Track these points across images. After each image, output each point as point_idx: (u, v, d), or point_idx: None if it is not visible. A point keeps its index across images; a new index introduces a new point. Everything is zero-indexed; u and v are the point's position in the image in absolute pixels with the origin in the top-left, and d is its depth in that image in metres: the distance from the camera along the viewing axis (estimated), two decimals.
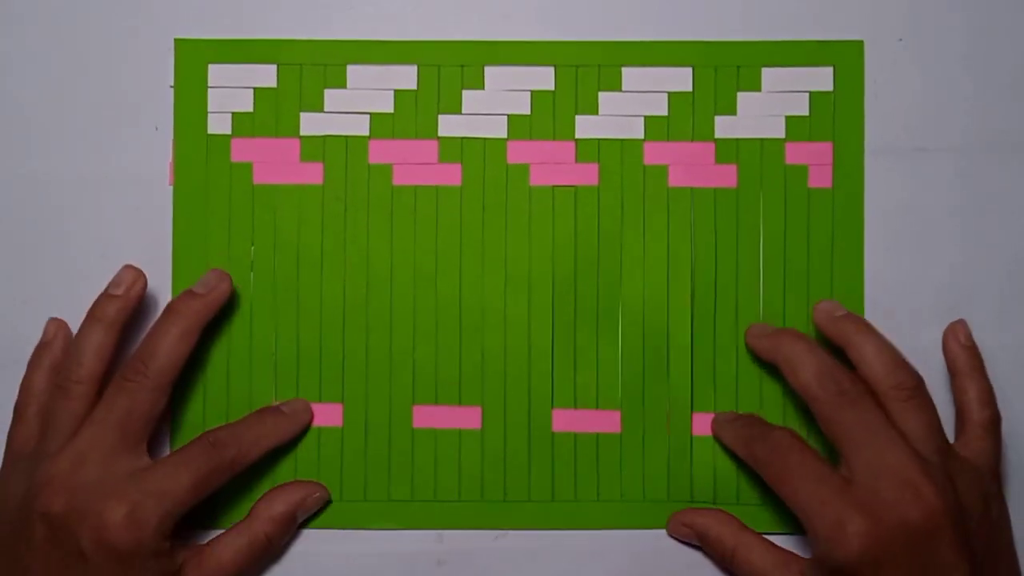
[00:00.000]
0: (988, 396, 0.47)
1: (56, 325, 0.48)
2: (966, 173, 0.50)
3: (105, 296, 0.47)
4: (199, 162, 0.49)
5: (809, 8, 0.50)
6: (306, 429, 0.49)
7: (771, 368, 0.48)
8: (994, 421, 0.47)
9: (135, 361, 0.45)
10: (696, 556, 0.49)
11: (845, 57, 0.49)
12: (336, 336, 0.49)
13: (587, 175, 0.49)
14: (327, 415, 0.49)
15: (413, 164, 0.49)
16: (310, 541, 0.49)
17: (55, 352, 0.48)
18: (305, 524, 0.49)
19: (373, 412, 0.49)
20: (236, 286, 0.49)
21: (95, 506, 0.43)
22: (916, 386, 0.45)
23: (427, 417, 0.49)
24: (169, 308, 0.47)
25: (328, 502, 0.49)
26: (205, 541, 0.47)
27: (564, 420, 0.49)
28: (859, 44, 0.50)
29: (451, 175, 0.49)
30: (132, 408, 0.45)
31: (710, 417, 0.49)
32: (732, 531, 0.47)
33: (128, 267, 0.47)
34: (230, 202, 0.49)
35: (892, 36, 0.50)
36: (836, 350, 0.47)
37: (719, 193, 0.49)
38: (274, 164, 0.49)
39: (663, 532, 0.49)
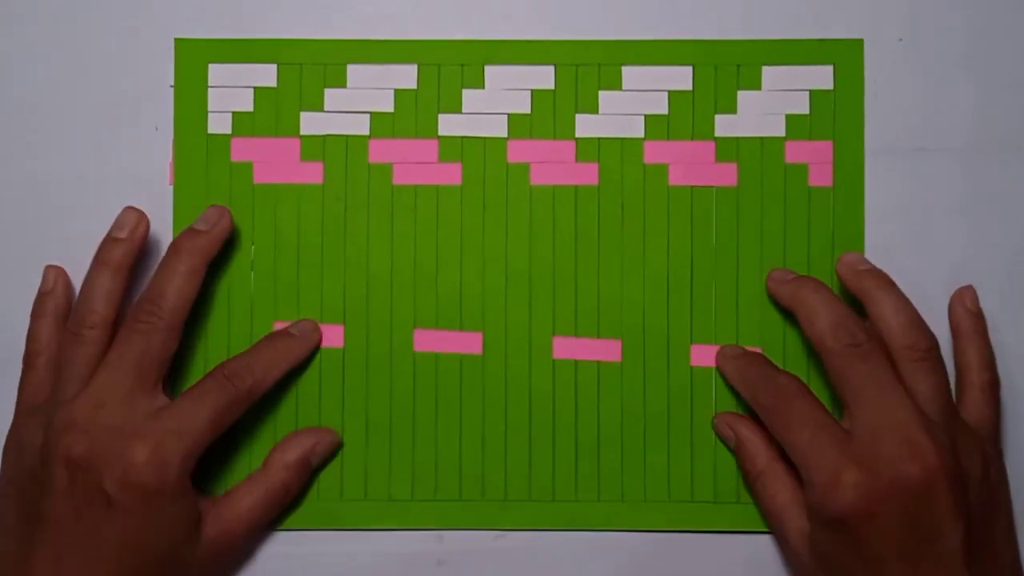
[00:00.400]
0: (988, 360, 0.48)
1: (55, 272, 0.48)
2: (966, 173, 0.50)
3: (109, 240, 0.47)
4: (199, 162, 0.49)
5: (809, 8, 0.50)
6: (316, 349, 0.49)
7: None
8: (993, 384, 0.47)
9: (145, 303, 0.45)
10: (696, 556, 0.49)
11: (845, 55, 0.50)
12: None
13: (587, 174, 0.49)
14: (328, 337, 0.49)
15: (413, 163, 0.49)
16: (311, 541, 0.49)
17: (58, 300, 0.48)
18: (309, 526, 0.49)
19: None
20: (236, 286, 0.49)
21: (118, 448, 0.43)
22: (930, 348, 0.46)
23: (428, 341, 0.49)
24: (173, 247, 0.47)
25: (339, 446, 0.49)
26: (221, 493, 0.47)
27: (565, 347, 0.49)
28: (859, 43, 0.50)
29: (451, 174, 0.49)
30: (147, 349, 0.45)
31: (709, 349, 0.49)
32: (767, 456, 0.47)
33: (129, 209, 0.47)
34: (230, 202, 0.49)
35: (892, 36, 0.50)
36: (856, 304, 0.47)
37: (719, 192, 0.49)
38: (274, 163, 0.49)
39: (663, 533, 0.49)
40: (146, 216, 0.47)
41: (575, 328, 0.49)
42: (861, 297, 0.47)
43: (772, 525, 0.47)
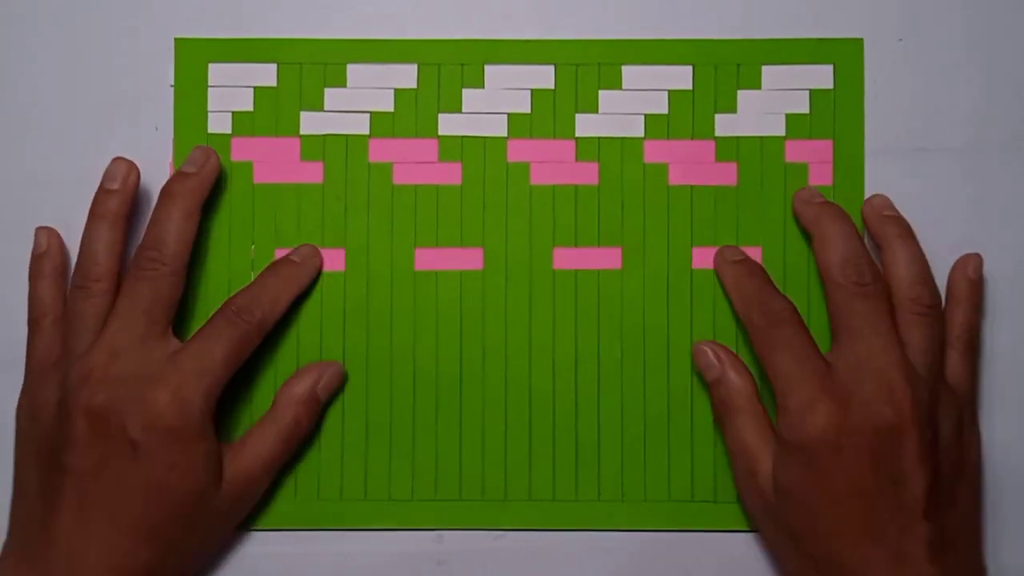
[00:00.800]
0: (971, 324, 0.48)
1: (47, 233, 0.49)
2: (966, 173, 0.50)
3: (103, 192, 0.47)
4: None
5: (809, 7, 0.50)
6: (319, 274, 0.49)
7: None
8: (970, 346, 0.48)
9: (147, 250, 0.46)
10: (697, 555, 0.49)
11: (845, 55, 0.50)
12: (337, 336, 0.49)
13: (587, 174, 0.49)
14: (329, 261, 0.49)
15: (413, 163, 0.49)
16: (311, 541, 0.49)
17: (54, 260, 0.48)
18: (309, 525, 0.49)
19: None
20: (236, 285, 0.49)
21: (138, 394, 0.44)
22: (932, 305, 0.46)
23: (429, 259, 0.49)
24: (166, 192, 0.47)
25: (344, 378, 0.49)
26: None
27: (566, 258, 0.49)
28: (859, 42, 0.50)
29: (451, 174, 0.49)
30: (155, 296, 0.45)
31: (710, 251, 0.49)
32: (749, 394, 0.47)
33: (118, 159, 0.48)
34: (230, 201, 0.49)
35: (892, 36, 0.50)
36: (874, 248, 0.48)
37: (719, 191, 0.49)
38: (274, 163, 0.49)
39: (664, 533, 0.49)
40: (136, 165, 0.48)
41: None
42: (879, 242, 0.48)
43: (740, 465, 0.47)
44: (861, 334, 0.45)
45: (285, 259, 0.49)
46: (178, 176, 0.47)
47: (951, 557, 0.43)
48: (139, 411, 0.43)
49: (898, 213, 0.48)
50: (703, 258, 0.49)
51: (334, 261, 0.49)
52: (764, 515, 0.46)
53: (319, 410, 0.48)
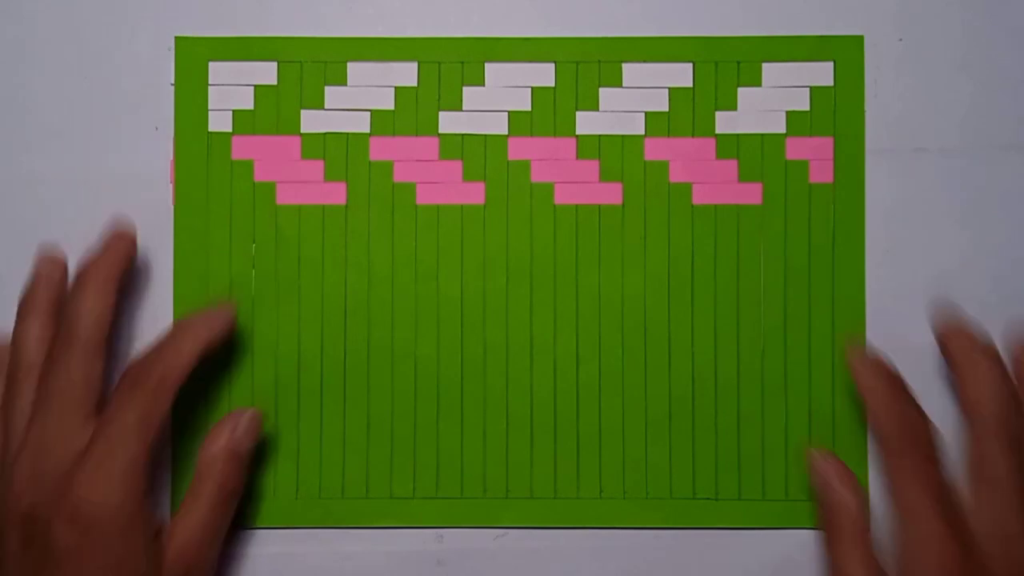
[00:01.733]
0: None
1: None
2: (966, 173, 0.50)
3: (29, 287, 0.47)
4: (200, 160, 0.49)
5: (809, 5, 0.50)
6: (233, 326, 0.47)
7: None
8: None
9: (59, 333, 0.44)
10: (698, 553, 0.49)
11: (845, 52, 0.50)
12: (338, 335, 0.49)
13: (588, 172, 0.49)
14: (333, 194, 0.49)
15: (414, 161, 0.49)
16: (311, 540, 0.49)
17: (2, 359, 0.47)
18: (310, 524, 0.49)
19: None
20: (237, 284, 0.49)
21: (58, 492, 0.41)
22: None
23: (430, 193, 0.49)
24: (78, 270, 0.45)
25: (260, 422, 0.47)
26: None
27: (567, 193, 0.49)
28: (859, 39, 0.50)
29: (452, 172, 0.49)
30: (69, 378, 0.42)
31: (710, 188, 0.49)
32: (852, 518, 0.44)
33: (42, 258, 0.47)
34: (231, 200, 0.49)
35: (892, 35, 0.50)
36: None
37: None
38: (275, 161, 0.49)
39: (664, 531, 0.49)
40: (62, 254, 0.47)
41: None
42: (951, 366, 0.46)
43: None
44: (1005, 489, 0.42)
45: (193, 313, 0.46)
46: (91, 254, 0.46)
47: None
48: (60, 512, 0.40)
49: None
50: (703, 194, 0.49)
51: (336, 195, 0.49)
52: None
53: (244, 464, 0.45)
